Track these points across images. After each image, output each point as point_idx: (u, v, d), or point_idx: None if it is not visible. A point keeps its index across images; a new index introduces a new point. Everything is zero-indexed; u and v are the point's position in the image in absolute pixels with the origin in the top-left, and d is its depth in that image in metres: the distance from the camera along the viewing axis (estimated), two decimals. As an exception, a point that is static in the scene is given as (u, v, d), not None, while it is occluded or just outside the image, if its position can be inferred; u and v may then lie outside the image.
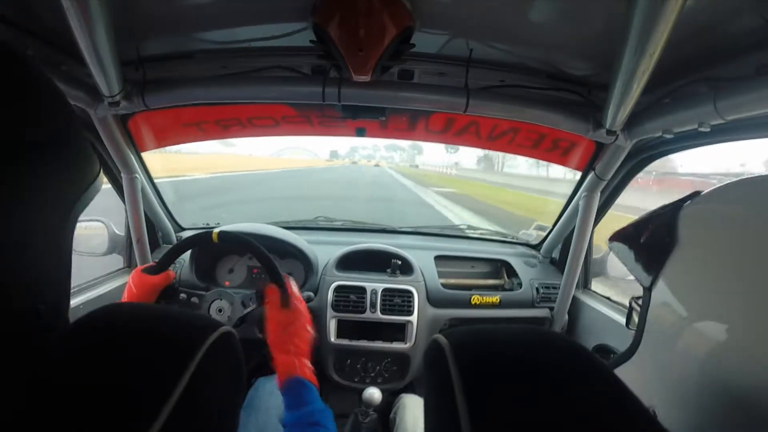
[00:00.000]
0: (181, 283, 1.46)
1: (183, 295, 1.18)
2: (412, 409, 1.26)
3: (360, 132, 1.43)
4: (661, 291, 0.50)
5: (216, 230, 1.10)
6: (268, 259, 1.13)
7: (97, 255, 1.50)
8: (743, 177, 0.51)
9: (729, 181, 0.51)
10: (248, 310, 1.14)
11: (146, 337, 0.32)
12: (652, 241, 0.55)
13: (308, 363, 0.79)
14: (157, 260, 1.11)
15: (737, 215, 0.46)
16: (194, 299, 1.17)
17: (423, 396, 0.39)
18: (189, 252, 1.49)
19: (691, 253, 0.48)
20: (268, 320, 0.85)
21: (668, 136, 0.96)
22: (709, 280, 0.44)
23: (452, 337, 0.35)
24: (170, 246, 1.30)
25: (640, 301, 0.56)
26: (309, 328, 0.86)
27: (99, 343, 0.31)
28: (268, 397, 1.12)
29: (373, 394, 1.26)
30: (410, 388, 1.53)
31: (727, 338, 0.40)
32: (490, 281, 1.70)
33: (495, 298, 1.56)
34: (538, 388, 0.30)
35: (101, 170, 0.33)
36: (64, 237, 0.30)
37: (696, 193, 0.54)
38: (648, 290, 0.52)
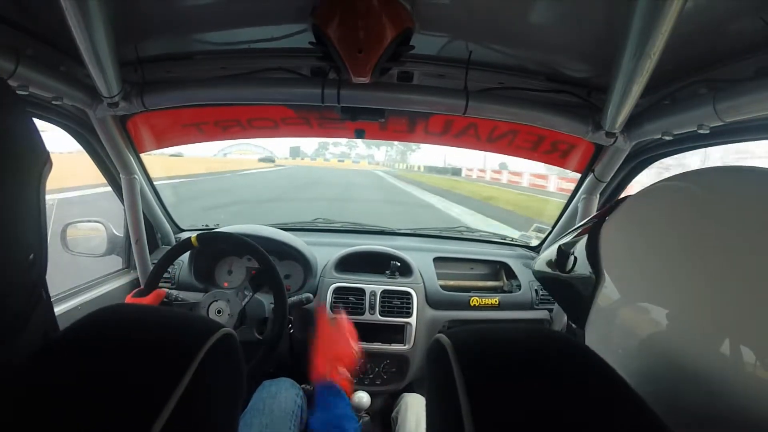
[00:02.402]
0: (180, 285, 1.46)
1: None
2: (415, 408, 1.26)
3: (359, 133, 1.43)
4: (593, 331, 0.44)
5: (194, 235, 1.11)
6: (259, 251, 1.12)
7: (96, 256, 1.49)
8: (662, 179, 0.46)
9: (649, 185, 0.47)
10: (246, 299, 1.15)
11: (147, 339, 0.32)
12: (576, 274, 0.48)
13: (346, 372, 0.85)
14: (144, 284, 1.14)
15: (660, 219, 0.41)
16: (192, 308, 1.18)
17: (425, 395, 0.39)
18: (187, 254, 1.49)
19: (616, 289, 0.41)
20: (318, 331, 0.94)
21: (667, 138, 0.96)
22: (641, 311, 0.39)
23: (454, 336, 0.35)
24: (169, 247, 1.30)
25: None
26: (353, 343, 0.93)
27: (99, 345, 0.31)
28: (271, 400, 1.11)
29: (362, 398, 1.25)
30: (409, 390, 1.53)
31: (672, 371, 0.36)
32: (489, 283, 1.70)
33: (494, 299, 1.56)
34: (540, 386, 0.30)
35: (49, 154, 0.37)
36: (41, 201, 0.36)
37: (623, 199, 0.48)
38: (582, 328, 0.45)
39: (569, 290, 0.50)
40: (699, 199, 0.40)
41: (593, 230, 0.47)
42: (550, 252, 0.57)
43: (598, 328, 0.44)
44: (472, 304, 1.54)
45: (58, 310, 1.16)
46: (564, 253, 0.52)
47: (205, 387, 0.32)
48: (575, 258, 0.49)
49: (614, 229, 0.46)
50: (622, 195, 0.50)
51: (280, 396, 1.13)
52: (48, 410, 0.26)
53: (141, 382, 0.29)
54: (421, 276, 1.54)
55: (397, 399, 1.38)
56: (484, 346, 0.35)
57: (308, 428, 0.73)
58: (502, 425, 0.28)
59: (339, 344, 0.90)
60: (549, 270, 0.55)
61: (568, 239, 0.54)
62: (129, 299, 1.09)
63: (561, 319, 1.52)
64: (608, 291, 0.42)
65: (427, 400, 0.38)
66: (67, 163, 5.03)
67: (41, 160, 0.36)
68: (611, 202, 1.40)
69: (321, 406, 0.75)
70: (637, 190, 0.48)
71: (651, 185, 0.46)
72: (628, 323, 0.40)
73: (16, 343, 0.33)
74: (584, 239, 0.49)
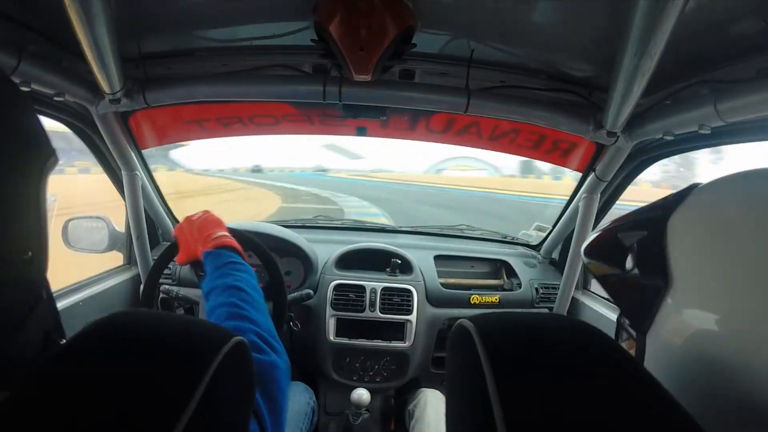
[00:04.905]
0: (181, 281, 1.46)
1: (180, 310, 1.19)
2: (435, 404, 1.26)
3: (361, 131, 1.44)
4: (657, 337, 0.39)
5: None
6: (260, 246, 1.11)
7: (97, 252, 1.50)
8: (744, 169, 0.39)
9: (727, 175, 0.40)
10: None
11: (160, 349, 0.32)
12: (640, 275, 0.42)
13: (209, 238, 0.82)
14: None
15: (747, 216, 0.35)
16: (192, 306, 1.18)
17: (446, 382, 0.38)
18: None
19: (691, 294, 0.36)
20: (182, 257, 0.89)
21: (669, 138, 0.96)
22: (719, 319, 0.34)
23: (477, 321, 0.34)
24: (169, 244, 1.30)
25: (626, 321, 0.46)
26: (194, 217, 0.88)
27: (109, 356, 0.30)
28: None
29: (362, 395, 1.26)
30: (408, 387, 1.54)
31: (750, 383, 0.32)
32: (490, 281, 1.70)
33: (494, 297, 1.56)
34: (568, 371, 0.30)
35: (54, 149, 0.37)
36: (41, 197, 0.35)
37: (690, 189, 0.41)
38: (642, 334, 0.41)
39: (630, 291, 0.44)
40: None
41: (657, 224, 0.41)
42: (600, 240, 0.50)
43: (663, 338, 0.39)
44: (472, 302, 1.54)
45: (59, 306, 1.17)
46: (621, 245, 0.45)
47: (219, 397, 0.31)
48: (637, 254, 0.43)
49: (686, 224, 0.39)
50: (692, 183, 0.43)
51: (293, 399, 1.14)
52: (60, 420, 0.26)
53: (156, 393, 0.28)
54: (422, 274, 1.55)
55: (414, 393, 1.38)
56: (509, 330, 0.34)
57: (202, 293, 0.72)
58: (532, 408, 0.27)
59: (189, 231, 0.86)
60: (604, 265, 0.48)
61: (626, 229, 0.48)
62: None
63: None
64: (679, 298, 0.37)
65: (448, 385, 0.37)
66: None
67: (44, 156, 0.35)
68: (614, 201, 1.43)
69: (205, 275, 0.76)
70: (710, 180, 0.41)
71: (729, 175, 0.40)
72: (702, 336, 0.35)
73: (13, 341, 0.32)
74: (645, 234, 0.43)
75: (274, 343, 0.60)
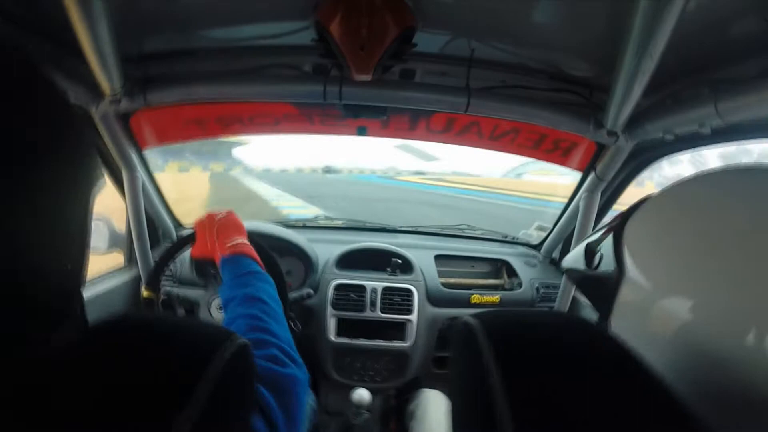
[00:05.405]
0: (181, 281, 1.46)
1: (181, 310, 1.19)
2: (436, 404, 1.26)
3: (361, 131, 1.43)
4: (616, 323, 0.47)
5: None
6: (259, 245, 1.11)
7: (97, 252, 1.50)
8: (683, 178, 0.46)
9: (669, 185, 0.48)
10: None
11: (158, 352, 0.32)
12: (602, 271, 0.51)
13: (227, 244, 0.80)
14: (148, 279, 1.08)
15: (681, 217, 0.43)
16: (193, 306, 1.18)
17: (450, 379, 0.38)
18: (189, 249, 1.49)
19: (638, 283, 0.44)
20: (196, 251, 0.88)
21: (669, 138, 0.96)
22: (662, 303, 0.41)
23: (482, 318, 0.35)
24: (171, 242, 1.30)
25: None
26: (217, 216, 0.87)
27: (108, 358, 0.30)
28: None
29: (362, 395, 1.26)
30: (409, 387, 1.54)
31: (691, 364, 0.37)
32: (490, 281, 1.70)
33: (495, 297, 1.56)
34: (574, 368, 0.30)
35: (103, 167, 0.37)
36: (87, 215, 0.36)
37: (642, 202, 0.50)
38: (606, 319, 0.48)
39: (596, 286, 0.53)
40: (718, 198, 0.42)
41: (618, 229, 0.49)
42: (577, 250, 0.60)
43: (621, 320, 0.46)
44: (472, 302, 1.54)
45: None
46: (591, 251, 0.55)
47: (221, 397, 0.31)
48: (602, 255, 0.52)
49: (637, 227, 0.48)
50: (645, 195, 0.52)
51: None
52: (58, 420, 0.26)
53: (156, 394, 0.28)
54: (422, 273, 1.55)
55: (415, 393, 1.38)
56: (514, 327, 0.34)
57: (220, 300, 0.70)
58: (540, 407, 0.27)
59: (209, 232, 0.85)
60: (577, 267, 0.59)
61: (594, 238, 0.57)
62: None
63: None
64: (630, 285, 0.45)
65: (452, 383, 0.37)
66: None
67: (95, 179, 0.37)
68: (614, 201, 1.43)
69: (225, 279, 0.74)
70: (662, 188, 0.49)
71: (671, 185, 0.48)
72: (649, 315, 0.42)
73: (43, 349, 0.31)
74: (610, 238, 0.51)
75: (294, 354, 0.59)
